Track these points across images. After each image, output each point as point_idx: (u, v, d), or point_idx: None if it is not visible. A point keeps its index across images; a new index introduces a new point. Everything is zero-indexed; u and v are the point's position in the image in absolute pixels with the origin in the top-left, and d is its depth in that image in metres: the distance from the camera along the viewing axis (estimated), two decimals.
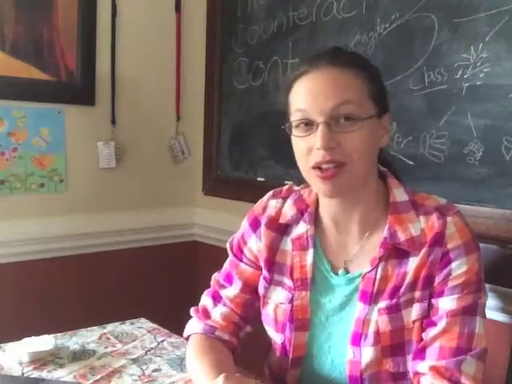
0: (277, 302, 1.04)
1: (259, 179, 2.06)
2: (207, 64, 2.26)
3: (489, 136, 1.37)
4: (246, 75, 2.09)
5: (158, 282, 2.26)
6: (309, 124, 0.92)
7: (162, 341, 1.28)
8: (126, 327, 1.36)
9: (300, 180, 1.03)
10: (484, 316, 0.93)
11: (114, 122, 2.09)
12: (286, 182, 1.90)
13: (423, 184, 1.46)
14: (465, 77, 1.41)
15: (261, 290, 1.07)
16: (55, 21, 1.92)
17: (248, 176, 2.11)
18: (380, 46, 1.60)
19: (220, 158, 2.25)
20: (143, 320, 1.42)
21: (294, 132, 0.95)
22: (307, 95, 0.93)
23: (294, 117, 0.95)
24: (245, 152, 2.13)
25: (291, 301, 1.02)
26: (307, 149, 0.93)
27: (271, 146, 2.00)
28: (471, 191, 1.41)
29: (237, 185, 2.16)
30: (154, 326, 1.38)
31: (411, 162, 1.52)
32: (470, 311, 0.90)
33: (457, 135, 1.43)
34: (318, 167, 0.92)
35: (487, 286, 0.97)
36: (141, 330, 1.34)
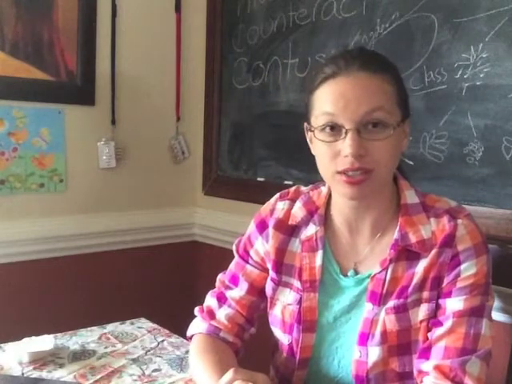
0: (285, 303, 1.04)
1: (259, 179, 2.06)
2: (207, 64, 2.26)
3: (489, 136, 1.36)
4: (246, 75, 2.09)
5: (158, 282, 2.26)
6: (335, 129, 0.91)
7: (162, 341, 1.28)
8: (126, 327, 1.36)
9: (301, 180, 1.03)
10: (490, 319, 0.93)
11: (113, 122, 2.09)
12: (285, 182, 1.90)
13: (423, 184, 1.46)
14: (465, 77, 1.41)
15: (268, 292, 1.07)
16: (55, 21, 1.91)
17: (248, 176, 2.11)
18: (380, 46, 1.60)
19: (220, 158, 2.25)
20: (143, 320, 1.42)
21: (319, 136, 0.93)
22: (337, 100, 0.90)
23: (320, 120, 0.93)
24: (245, 152, 2.13)
25: (299, 302, 1.01)
26: (333, 154, 0.91)
27: (271, 146, 2.00)
28: (471, 191, 1.41)
29: (237, 185, 2.16)
30: (154, 325, 1.38)
31: (411, 162, 1.52)
32: (477, 312, 0.90)
33: (457, 135, 1.43)
34: (344, 173, 0.91)
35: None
36: (141, 330, 1.35)
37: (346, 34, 1.70)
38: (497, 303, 1.18)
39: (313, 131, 0.95)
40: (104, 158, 2.08)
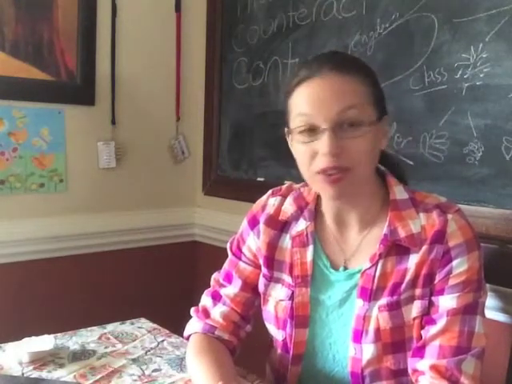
0: (277, 299, 1.05)
1: (259, 179, 2.06)
2: (207, 64, 2.26)
3: (489, 136, 1.36)
4: (246, 75, 2.09)
5: (158, 281, 2.26)
6: (312, 129, 0.92)
7: (162, 341, 1.28)
8: (126, 327, 1.36)
9: (300, 179, 1.04)
10: (483, 315, 0.93)
11: (114, 122, 2.09)
12: (285, 181, 1.90)
13: (423, 184, 1.46)
14: (465, 77, 1.41)
15: (261, 288, 1.08)
16: (55, 21, 1.91)
17: (248, 176, 2.11)
18: (380, 45, 1.60)
19: (220, 158, 2.25)
20: (143, 320, 1.42)
21: (297, 137, 0.95)
22: (312, 101, 0.92)
23: (297, 122, 0.95)
24: (245, 152, 2.13)
25: (291, 297, 1.02)
26: (311, 154, 0.93)
27: (271, 146, 2.00)
28: (471, 191, 1.41)
29: (237, 185, 2.16)
30: (154, 325, 1.38)
31: (411, 162, 1.52)
32: (471, 310, 0.91)
33: (457, 135, 1.43)
34: (322, 173, 0.92)
35: (487, 285, 0.97)
36: (141, 330, 1.34)
37: (346, 33, 1.70)
38: (497, 303, 1.18)
39: (291, 133, 0.97)
40: (104, 157, 2.08)
